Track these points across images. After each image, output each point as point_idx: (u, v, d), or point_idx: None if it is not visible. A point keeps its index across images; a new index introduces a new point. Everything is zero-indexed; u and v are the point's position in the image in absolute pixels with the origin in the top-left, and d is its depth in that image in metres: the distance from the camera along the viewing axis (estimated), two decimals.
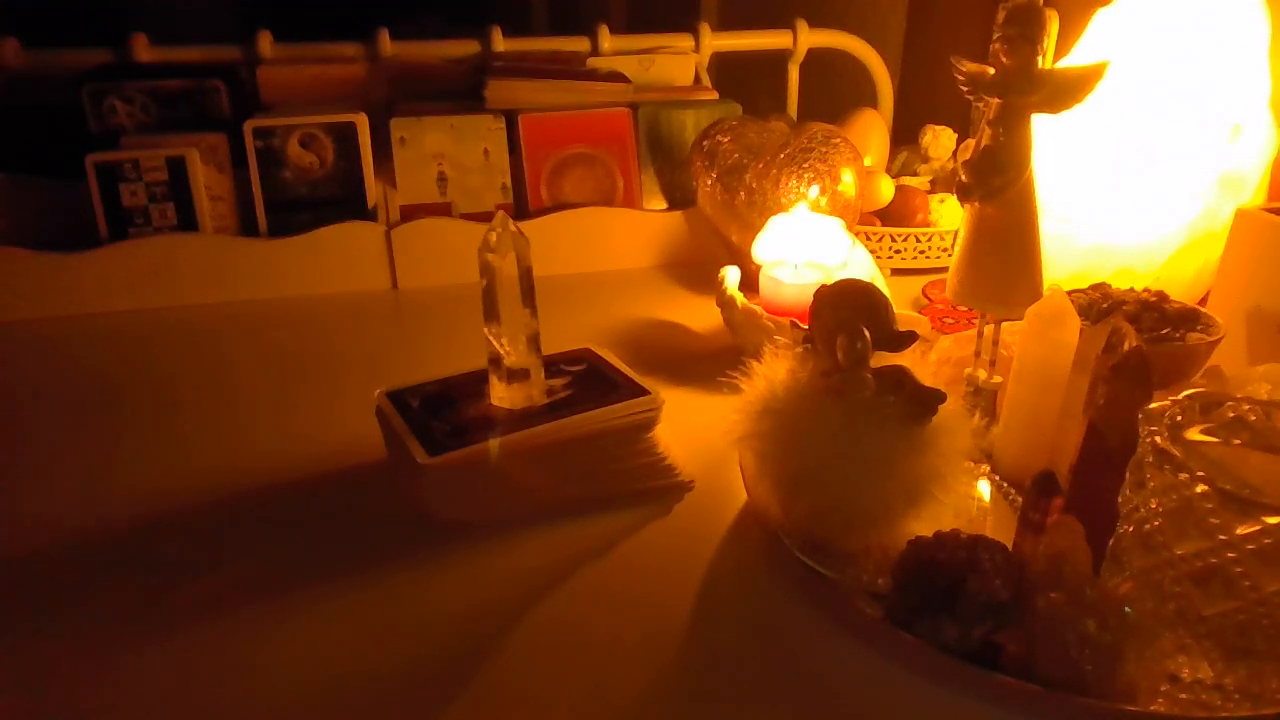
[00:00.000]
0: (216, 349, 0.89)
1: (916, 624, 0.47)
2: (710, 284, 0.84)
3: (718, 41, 1.21)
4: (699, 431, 0.67)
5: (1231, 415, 0.46)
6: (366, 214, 1.01)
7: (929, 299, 0.97)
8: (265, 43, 1.06)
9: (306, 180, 0.99)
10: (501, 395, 0.62)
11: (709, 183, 0.96)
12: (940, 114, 1.21)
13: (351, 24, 1.10)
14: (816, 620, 0.52)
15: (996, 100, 0.59)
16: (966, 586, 0.46)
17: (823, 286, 0.54)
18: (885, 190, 1.05)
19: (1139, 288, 0.72)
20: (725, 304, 0.81)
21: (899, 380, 0.52)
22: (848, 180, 0.93)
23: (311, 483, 0.65)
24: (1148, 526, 0.45)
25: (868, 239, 1.03)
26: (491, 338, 0.61)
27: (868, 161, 1.08)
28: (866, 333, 0.51)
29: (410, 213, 1.03)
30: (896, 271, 1.04)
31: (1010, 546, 0.50)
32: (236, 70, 1.05)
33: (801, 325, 0.69)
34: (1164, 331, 0.66)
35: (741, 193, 0.94)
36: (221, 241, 0.98)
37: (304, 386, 0.81)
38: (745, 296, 0.80)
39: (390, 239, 1.01)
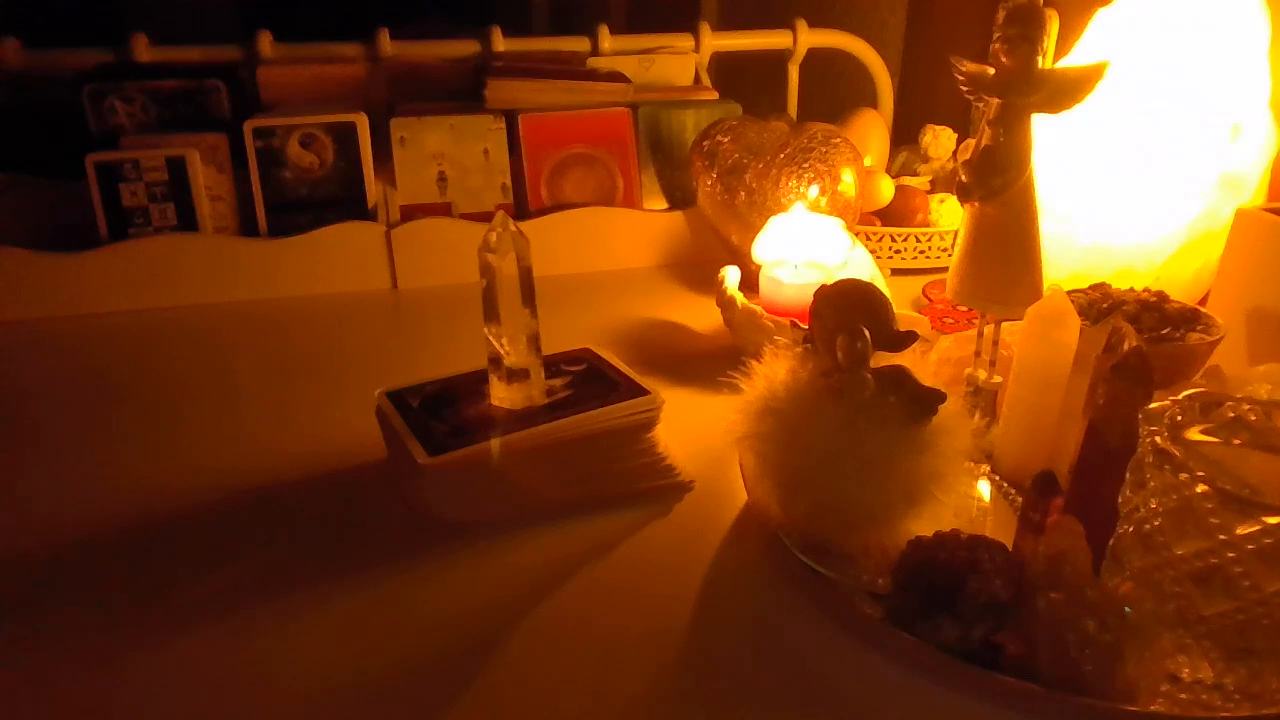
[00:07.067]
0: (216, 349, 0.89)
1: (917, 624, 0.47)
2: (710, 284, 0.84)
3: (718, 41, 1.21)
4: (699, 431, 0.67)
5: (1231, 415, 0.46)
6: (366, 214, 1.01)
7: (929, 299, 0.97)
8: (265, 43, 1.06)
9: (306, 180, 0.99)
10: (501, 395, 0.62)
11: (709, 183, 0.96)
12: (940, 114, 1.21)
13: (351, 24, 1.10)
14: (816, 620, 0.52)
15: (996, 100, 0.59)
16: (967, 587, 0.46)
17: (823, 286, 0.54)
18: (885, 190, 1.05)
19: (1139, 288, 0.72)
20: (725, 304, 0.81)
21: (899, 380, 0.52)
22: (848, 180, 0.93)
23: (311, 483, 0.65)
24: (1148, 526, 0.45)
25: (868, 239, 1.03)
26: (491, 338, 0.61)
27: (868, 161, 1.08)
28: (866, 333, 0.51)
29: (410, 213, 1.03)
30: (896, 271, 1.04)
31: (1010, 546, 0.50)
32: (236, 70, 1.05)
33: (801, 325, 0.69)
34: (1164, 331, 0.66)
35: (741, 193, 0.94)
36: (221, 241, 0.98)
37: (304, 386, 0.81)
38: (745, 296, 0.80)
39: (390, 239, 1.01)
